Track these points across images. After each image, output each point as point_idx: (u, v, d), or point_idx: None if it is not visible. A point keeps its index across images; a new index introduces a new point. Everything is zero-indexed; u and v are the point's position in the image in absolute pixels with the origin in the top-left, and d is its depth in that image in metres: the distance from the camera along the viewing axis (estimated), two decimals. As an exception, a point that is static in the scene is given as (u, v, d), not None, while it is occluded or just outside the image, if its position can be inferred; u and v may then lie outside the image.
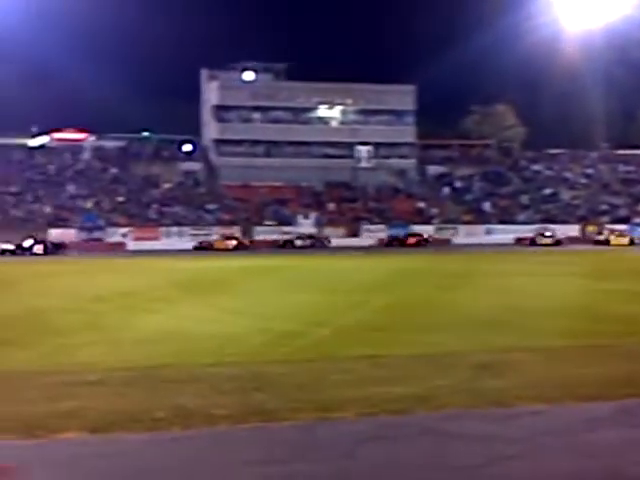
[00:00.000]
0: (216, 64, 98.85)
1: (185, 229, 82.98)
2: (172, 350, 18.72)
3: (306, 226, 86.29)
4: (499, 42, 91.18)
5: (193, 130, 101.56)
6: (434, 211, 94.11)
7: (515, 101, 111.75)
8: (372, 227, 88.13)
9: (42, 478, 9.72)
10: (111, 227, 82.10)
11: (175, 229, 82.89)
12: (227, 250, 73.45)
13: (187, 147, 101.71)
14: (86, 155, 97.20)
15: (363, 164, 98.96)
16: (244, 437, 11.33)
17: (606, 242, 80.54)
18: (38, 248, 67.06)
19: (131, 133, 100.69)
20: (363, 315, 25.07)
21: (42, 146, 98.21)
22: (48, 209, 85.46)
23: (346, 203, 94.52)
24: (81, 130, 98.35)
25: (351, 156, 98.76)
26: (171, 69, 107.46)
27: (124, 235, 79.40)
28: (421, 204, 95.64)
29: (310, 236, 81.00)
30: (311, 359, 17.36)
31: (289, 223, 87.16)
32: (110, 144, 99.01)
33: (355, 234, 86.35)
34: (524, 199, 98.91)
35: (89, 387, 14.73)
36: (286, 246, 77.50)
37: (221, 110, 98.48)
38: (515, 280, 38.07)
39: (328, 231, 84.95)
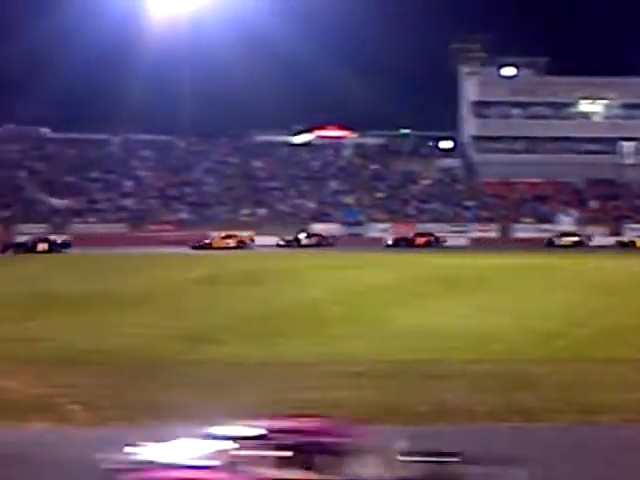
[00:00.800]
0: (474, 60, 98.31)
1: (443, 225, 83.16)
2: (432, 345, 19.03)
3: (566, 224, 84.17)
4: None
5: (449, 126, 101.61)
6: None
7: None
8: (636, 226, 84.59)
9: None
10: (371, 222, 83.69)
11: (433, 225, 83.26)
12: (227, 249, 68.17)
13: (446, 144, 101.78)
14: (347, 152, 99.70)
15: (628, 160, 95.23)
16: (506, 435, 11.44)
17: None
18: (42, 246, 64.24)
19: (390, 130, 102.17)
20: (621, 317, 24.37)
21: (306, 143, 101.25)
22: (311, 204, 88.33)
23: (609, 201, 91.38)
24: (343, 128, 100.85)
25: (614, 152, 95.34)
26: (429, 66, 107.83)
27: (384, 231, 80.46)
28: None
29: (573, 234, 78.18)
30: (571, 359, 17.19)
31: (548, 221, 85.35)
32: (370, 141, 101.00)
33: (618, 233, 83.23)
34: None
35: (354, 379, 15.32)
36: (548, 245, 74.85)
37: (480, 106, 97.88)
38: None
39: (590, 230, 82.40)
